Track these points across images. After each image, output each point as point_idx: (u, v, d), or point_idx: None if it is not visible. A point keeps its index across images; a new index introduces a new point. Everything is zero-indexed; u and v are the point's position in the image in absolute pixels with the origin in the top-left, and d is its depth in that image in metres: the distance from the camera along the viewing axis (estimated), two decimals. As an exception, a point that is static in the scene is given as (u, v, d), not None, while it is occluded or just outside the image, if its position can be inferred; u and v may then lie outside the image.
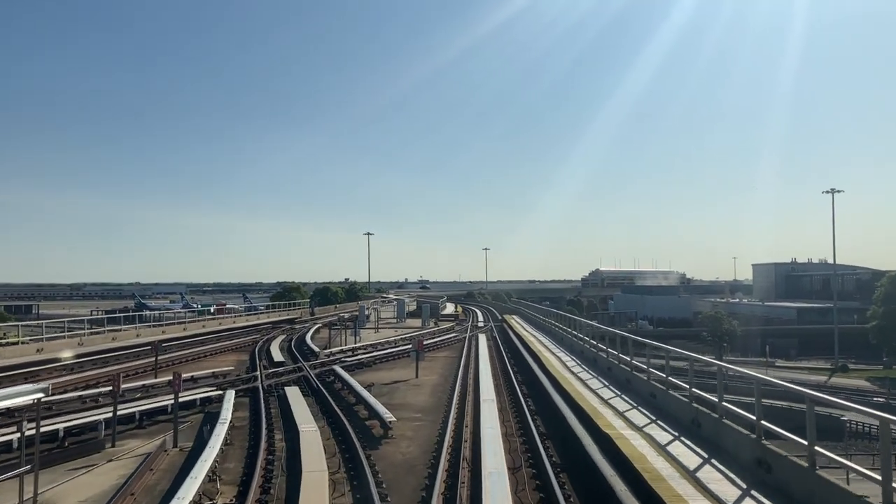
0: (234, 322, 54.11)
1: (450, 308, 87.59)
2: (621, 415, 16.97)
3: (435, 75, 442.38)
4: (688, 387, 15.70)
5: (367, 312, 59.44)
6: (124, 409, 19.36)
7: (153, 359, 29.65)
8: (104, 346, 37.04)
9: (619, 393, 20.31)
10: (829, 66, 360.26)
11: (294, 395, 22.79)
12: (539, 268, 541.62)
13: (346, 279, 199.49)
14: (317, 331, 52.17)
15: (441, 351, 39.89)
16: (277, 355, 35.36)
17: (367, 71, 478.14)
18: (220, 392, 22.53)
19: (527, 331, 47.25)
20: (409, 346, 38.66)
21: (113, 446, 16.96)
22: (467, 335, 46.86)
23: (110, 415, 17.63)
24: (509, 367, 30.57)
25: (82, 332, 40.55)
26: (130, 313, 54.05)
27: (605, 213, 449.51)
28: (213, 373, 27.94)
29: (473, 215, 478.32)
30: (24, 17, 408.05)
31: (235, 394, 22.99)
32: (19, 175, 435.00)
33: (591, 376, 24.88)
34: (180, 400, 21.33)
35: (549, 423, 19.16)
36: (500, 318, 66.79)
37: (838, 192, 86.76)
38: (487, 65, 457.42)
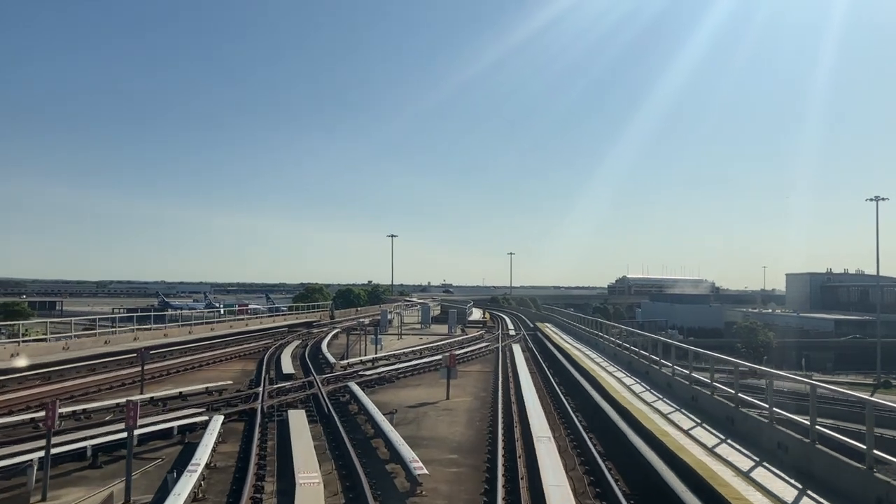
0: (246, 325, 49.66)
1: (476, 314, 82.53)
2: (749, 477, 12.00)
3: (464, 84, 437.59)
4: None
5: (389, 317, 54.75)
6: (67, 445, 14.67)
7: (160, 363, 25.43)
8: (126, 346, 33.58)
9: (724, 438, 15.27)
10: (866, 69, 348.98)
11: (298, 422, 18.00)
12: (564, 274, 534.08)
13: (369, 281, 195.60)
14: (335, 336, 47.56)
15: (472, 364, 34.94)
16: (287, 365, 30.72)
17: (396, 78, 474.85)
18: (207, 418, 17.78)
19: (567, 342, 42.12)
20: (437, 356, 33.91)
21: (43, 500, 12.36)
22: (500, 345, 41.92)
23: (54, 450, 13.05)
24: (557, 389, 25.51)
25: (108, 330, 39.01)
26: (151, 312, 50.89)
27: (632, 221, 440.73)
28: (207, 388, 23.27)
29: (499, 220, 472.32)
30: (62, 18, 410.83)
31: (228, 418, 18.34)
32: (50, 173, 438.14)
33: (655, 398, 20.23)
34: (154, 428, 16.72)
35: (629, 472, 14.20)
36: (531, 325, 61.75)
37: (883, 199, 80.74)
38: (517, 74, 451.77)
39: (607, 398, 21.43)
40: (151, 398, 20.87)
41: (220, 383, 23.97)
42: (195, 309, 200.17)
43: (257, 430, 17.24)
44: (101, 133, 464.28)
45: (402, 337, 48.65)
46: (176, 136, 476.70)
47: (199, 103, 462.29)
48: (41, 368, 27.19)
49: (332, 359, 32.71)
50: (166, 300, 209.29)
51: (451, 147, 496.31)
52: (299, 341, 43.45)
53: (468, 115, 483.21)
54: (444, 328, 59.49)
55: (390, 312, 56.48)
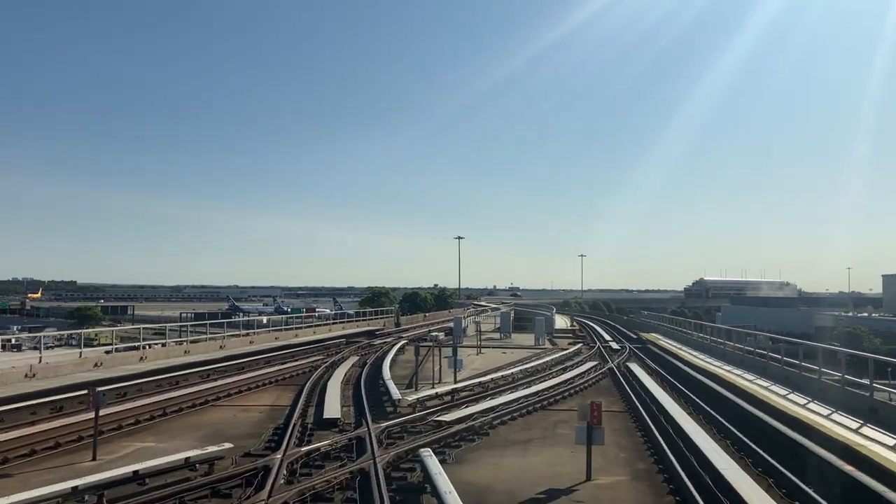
0: (295, 335, 40.41)
1: (559, 320, 71.47)
2: None
3: (524, 70, 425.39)
4: None
5: (464, 325, 44.78)
6: None
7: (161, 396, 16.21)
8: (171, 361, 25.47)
9: None
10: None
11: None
12: (632, 276, 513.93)
13: (435, 285, 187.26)
14: (401, 350, 37.83)
15: (588, 395, 24.43)
16: (333, 402, 20.98)
17: (450, 72, 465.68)
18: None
19: (710, 363, 30.92)
20: (544, 385, 23.73)
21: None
22: (612, 364, 31.37)
23: None
24: (757, 450, 14.83)
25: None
26: (202, 322, 44.28)
27: (706, 222, 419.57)
28: (188, 459, 13.59)
29: (564, 222, 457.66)
30: (125, 20, 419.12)
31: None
32: (129, 182, 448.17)
33: None
34: None
35: None
36: (633, 336, 50.50)
37: None
38: (575, 57, 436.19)
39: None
40: (74, 489, 11.35)
41: (212, 449, 14.24)
42: (264, 313, 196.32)
43: None
44: (175, 139, 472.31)
45: (482, 351, 38.49)
46: (246, 145, 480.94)
47: (264, 111, 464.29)
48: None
49: (394, 391, 22.79)
50: (236, 304, 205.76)
51: (519, 150, 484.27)
52: (356, 358, 33.94)
53: (519, 111, 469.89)
54: (525, 338, 49.28)
55: (464, 320, 46.31)
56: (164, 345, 32.03)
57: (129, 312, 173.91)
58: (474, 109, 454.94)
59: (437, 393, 22.51)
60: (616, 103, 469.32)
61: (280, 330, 40.62)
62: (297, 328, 42.35)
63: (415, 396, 21.45)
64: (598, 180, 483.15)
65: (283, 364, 30.21)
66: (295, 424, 17.44)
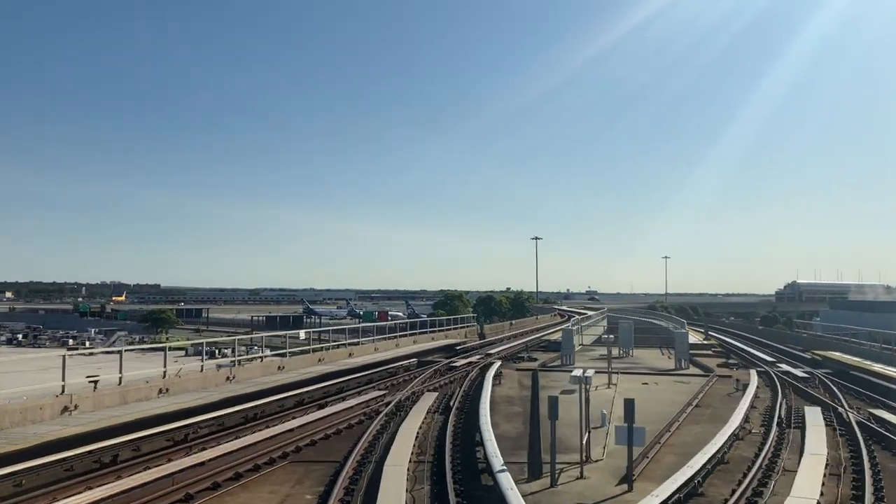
0: (349, 354, 28.30)
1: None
2: None
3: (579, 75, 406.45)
4: None
5: (574, 343, 32.14)
6: None
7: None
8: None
9: None
10: None
11: None
12: (716, 279, 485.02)
13: (507, 288, 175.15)
14: (497, 378, 25.48)
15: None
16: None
17: (516, 70, 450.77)
18: None
19: None
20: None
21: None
22: (853, 419, 18.19)
23: None
24: None
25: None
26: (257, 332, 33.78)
27: (797, 222, 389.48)
28: None
29: (638, 223, 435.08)
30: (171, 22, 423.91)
31: None
32: (214, 189, 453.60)
33: None
34: None
35: None
36: (809, 357, 35.66)
37: None
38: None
39: None
40: None
41: None
42: (338, 316, 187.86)
43: None
44: (257, 151, 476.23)
45: (613, 381, 25.55)
46: (316, 154, 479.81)
47: (341, 120, 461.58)
48: None
49: (510, 489, 10.58)
50: (310, 307, 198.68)
51: (586, 151, 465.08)
52: (435, 394, 21.79)
53: (597, 115, 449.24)
54: (650, 355, 36.38)
55: (574, 332, 33.42)
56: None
57: (203, 315, 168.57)
58: (539, 109, 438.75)
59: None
60: (688, 97, 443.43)
61: (323, 348, 28.19)
62: (349, 343, 30.24)
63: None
64: (675, 181, 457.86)
65: (319, 411, 18.39)
66: None
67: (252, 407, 17.30)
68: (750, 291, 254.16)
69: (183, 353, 51.93)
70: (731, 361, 32.94)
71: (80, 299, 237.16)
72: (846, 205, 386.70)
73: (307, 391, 20.37)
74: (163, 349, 20.48)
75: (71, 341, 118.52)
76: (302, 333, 33.56)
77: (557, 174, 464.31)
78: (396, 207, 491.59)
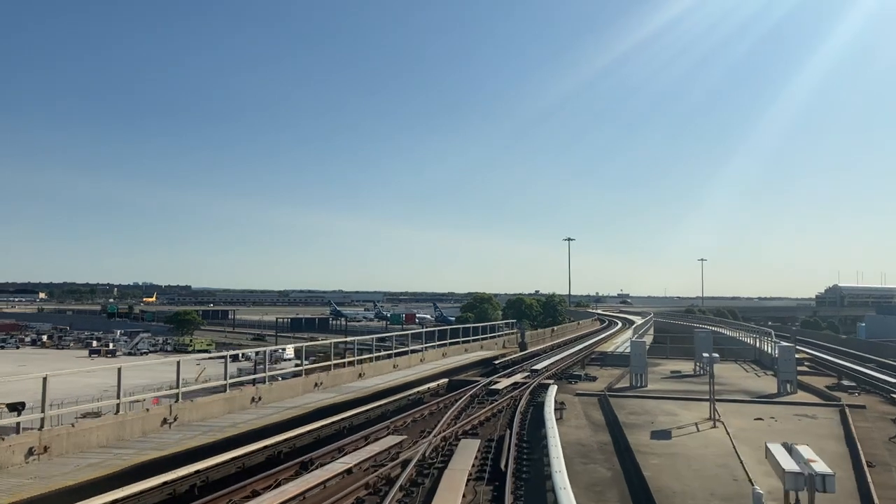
0: (360, 375, 21.27)
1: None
2: None
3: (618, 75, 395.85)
4: None
5: (646, 358, 24.91)
6: None
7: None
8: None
9: None
10: None
11: None
12: (749, 282, 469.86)
13: (536, 291, 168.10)
14: (559, 412, 18.10)
15: None
16: None
17: (537, 73, 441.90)
18: None
19: None
20: None
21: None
22: None
23: None
24: None
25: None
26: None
27: (837, 226, 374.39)
28: None
29: (675, 226, 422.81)
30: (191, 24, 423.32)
31: None
32: (243, 190, 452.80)
33: None
34: None
35: None
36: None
37: None
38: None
39: None
40: None
41: None
42: (365, 318, 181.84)
43: None
44: (286, 153, 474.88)
45: (718, 416, 18.25)
46: (344, 158, 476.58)
47: (363, 119, 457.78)
48: None
49: None
50: (338, 309, 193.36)
51: (615, 152, 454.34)
52: (475, 448, 14.73)
53: (629, 117, 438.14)
54: (724, 370, 28.97)
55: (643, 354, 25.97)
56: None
57: (229, 317, 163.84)
58: (565, 109, 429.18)
59: None
60: (719, 95, 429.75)
61: (317, 369, 20.56)
62: (358, 359, 22.86)
63: None
64: (707, 181, 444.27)
65: (294, 481, 11.46)
66: None
67: (179, 478, 10.44)
68: (785, 295, 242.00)
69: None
70: (844, 383, 25.37)
71: (110, 300, 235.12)
72: (888, 206, 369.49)
73: (286, 439, 13.59)
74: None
75: (94, 343, 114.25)
76: (290, 349, 26.50)
77: (585, 175, 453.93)
78: (420, 206, 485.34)
